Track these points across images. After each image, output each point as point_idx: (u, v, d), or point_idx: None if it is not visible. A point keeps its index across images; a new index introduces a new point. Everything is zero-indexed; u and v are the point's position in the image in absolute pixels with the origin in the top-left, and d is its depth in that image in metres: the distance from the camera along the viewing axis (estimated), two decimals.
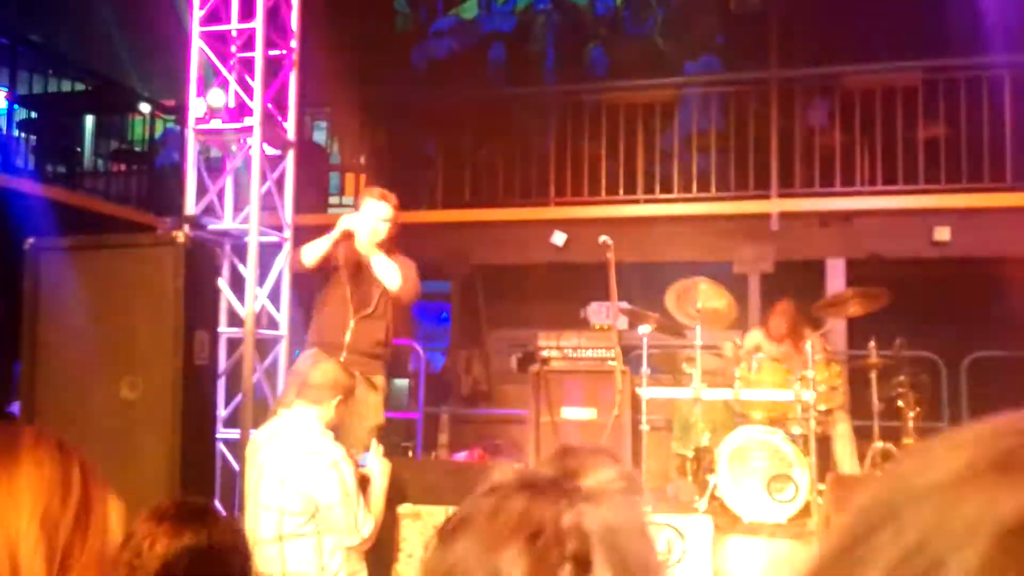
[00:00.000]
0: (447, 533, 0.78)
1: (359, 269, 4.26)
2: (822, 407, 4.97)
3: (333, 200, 8.40)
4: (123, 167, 8.75)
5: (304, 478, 3.29)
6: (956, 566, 0.32)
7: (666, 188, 7.25)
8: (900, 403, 5.12)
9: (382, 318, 4.30)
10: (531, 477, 0.79)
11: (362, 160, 8.54)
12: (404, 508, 4.04)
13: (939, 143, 6.92)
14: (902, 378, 5.29)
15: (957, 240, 6.62)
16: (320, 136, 8.70)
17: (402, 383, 8.06)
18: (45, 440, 1.02)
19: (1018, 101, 6.75)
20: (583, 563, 0.70)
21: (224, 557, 1.70)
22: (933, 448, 0.38)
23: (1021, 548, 0.32)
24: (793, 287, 5.77)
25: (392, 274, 4.22)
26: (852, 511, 0.38)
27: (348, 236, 4.21)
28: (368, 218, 4.22)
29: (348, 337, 4.19)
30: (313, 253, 4.29)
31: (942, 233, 6.64)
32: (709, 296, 5.16)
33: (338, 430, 3.51)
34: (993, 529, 0.33)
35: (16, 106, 7.75)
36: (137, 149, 8.75)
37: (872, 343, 5.12)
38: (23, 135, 8.06)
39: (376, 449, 3.65)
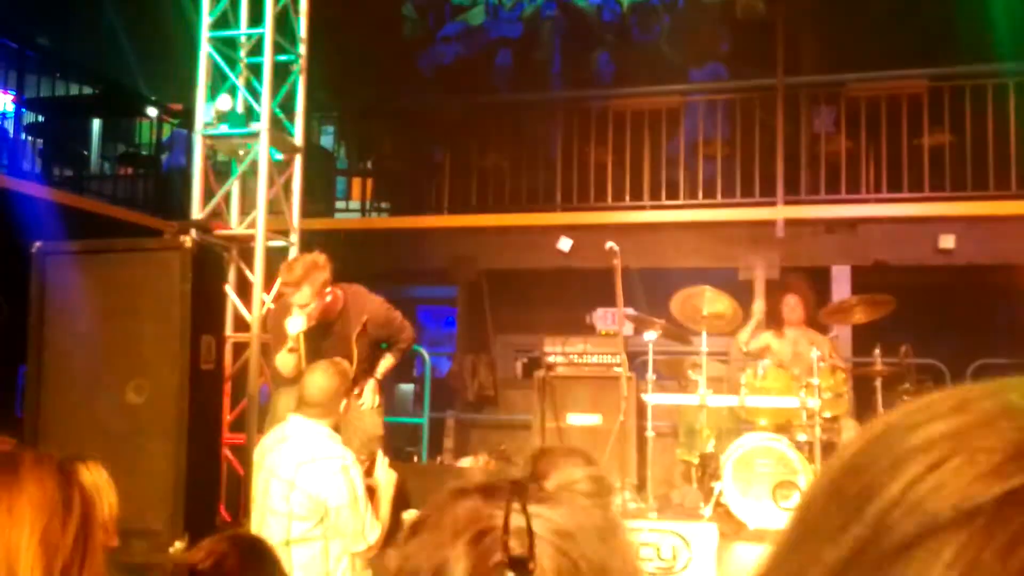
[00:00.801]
0: (408, 531, 0.78)
1: (321, 337, 4.28)
2: (827, 414, 4.96)
3: (340, 205, 8.42)
4: (130, 171, 8.77)
5: (313, 482, 3.30)
6: (927, 547, 0.32)
7: (672, 195, 7.26)
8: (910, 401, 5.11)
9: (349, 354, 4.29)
10: (492, 479, 0.79)
11: (369, 165, 8.56)
12: (409, 514, 4.04)
13: (944, 151, 6.93)
14: (907, 385, 5.28)
15: (962, 248, 6.62)
16: (327, 141, 8.72)
17: (407, 388, 8.07)
18: (47, 462, 1.03)
19: (1022, 108, 6.75)
20: (525, 566, 0.70)
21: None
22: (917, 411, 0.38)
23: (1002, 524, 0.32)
24: (796, 290, 5.76)
25: (388, 366, 4.41)
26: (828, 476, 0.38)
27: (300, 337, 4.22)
28: (297, 315, 4.21)
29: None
30: (288, 368, 4.30)
31: (947, 241, 6.64)
32: (714, 302, 5.16)
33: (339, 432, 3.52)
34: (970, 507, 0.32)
35: (24, 110, 7.78)
36: (144, 153, 8.78)
37: (877, 350, 5.12)
38: (31, 138, 8.09)
39: (382, 460, 3.66)
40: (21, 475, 1.01)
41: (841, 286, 6.76)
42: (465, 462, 5.66)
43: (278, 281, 4.50)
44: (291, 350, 4.26)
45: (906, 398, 5.23)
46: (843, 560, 0.34)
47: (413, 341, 4.56)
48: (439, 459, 6.39)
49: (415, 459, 6.47)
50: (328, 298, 4.33)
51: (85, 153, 8.71)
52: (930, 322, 6.50)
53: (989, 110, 6.80)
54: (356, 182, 8.73)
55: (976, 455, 0.33)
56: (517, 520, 0.71)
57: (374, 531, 3.37)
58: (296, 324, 4.23)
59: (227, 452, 5.06)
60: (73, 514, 1.00)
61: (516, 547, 0.70)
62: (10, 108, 7.60)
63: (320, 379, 3.44)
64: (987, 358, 6.40)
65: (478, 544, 0.70)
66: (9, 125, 7.61)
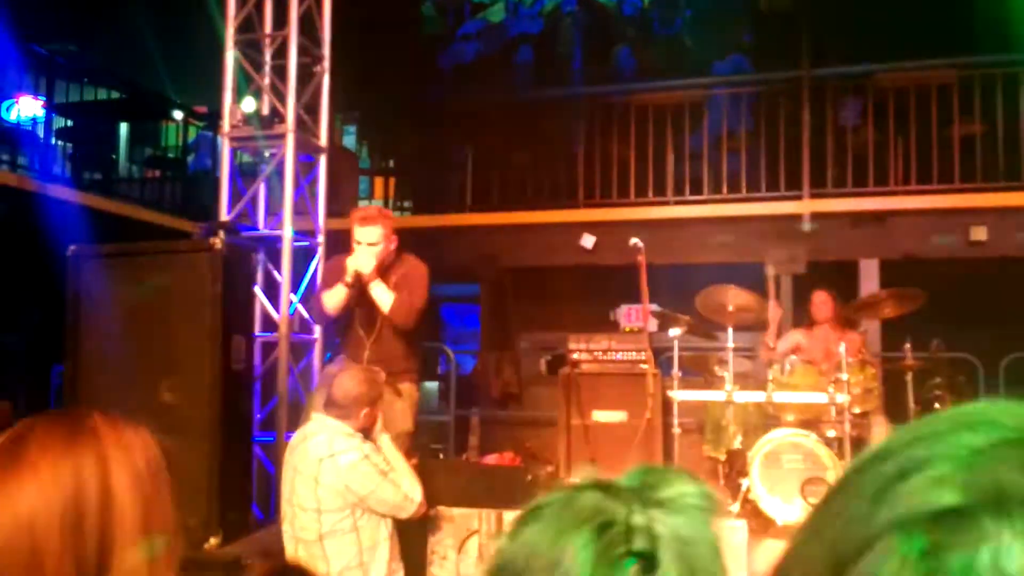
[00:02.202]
0: (517, 522, 0.80)
1: (362, 295, 4.22)
2: (857, 410, 4.92)
3: (363, 204, 8.46)
4: (156, 173, 8.89)
5: (336, 476, 3.34)
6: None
7: (696, 189, 7.22)
8: (937, 405, 5.06)
9: (397, 336, 4.24)
10: (607, 480, 0.81)
11: (391, 164, 8.60)
12: (437, 511, 4.07)
13: (975, 141, 6.82)
14: (939, 380, 5.22)
15: (994, 239, 6.52)
16: (350, 140, 8.77)
17: (432, 386, 8.10)
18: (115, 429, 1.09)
19: None
20: (649, 560, 0.72)
21: None
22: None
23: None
24: (826, 288, 5.71)
25: (384, 299, 4.17)
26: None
27: (359, 276, 4.14)
28: (364, 251, 4.13)
29: (367, 357, 4.17)
30: (334, 302, 4.21)
31: (978, 232, 6.54)
32: (740, 298, 5.13)
33: (368, 431, 3.55)
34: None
35: (53, 115, 7.91)
36: (170, 155, 8.89)
37: (908, 345, 5.06)
38: (60, 143, 8.22)
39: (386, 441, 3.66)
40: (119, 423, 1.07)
41: (869, 280, 6.69)
42: (490, 459, 5.68)
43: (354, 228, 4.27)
44: (347, 284, 4.12)
45: (937, 393, 5.17)
46: (819, 557, 0.38)
47: (405, 310, 4.34)
48: (464, 456, 6.42)
49: (441, 456, 6.50)
50: (392, 245, 4.25)
51: (113, 156, 8.84)
52: (961, 316, 6.41)
53: (1021, 99, 6.69)
54: (378, 181, 8.77)
55: (929, 473, 0.37)
56: (640, 519, 0.73)
57: (415, 489, 3.44)
58: (362, 260, 4.09)
59: (257, 450, 5.13)
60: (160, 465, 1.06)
61: (640, 542, 0.72)
62: (40, 113, 7.72)
63: (348, 382, 3.47)
64: (1020, 352, 6.31)
65: (602, 535, 0.72)
66: (39, 130, 7.73)
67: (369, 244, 4.14)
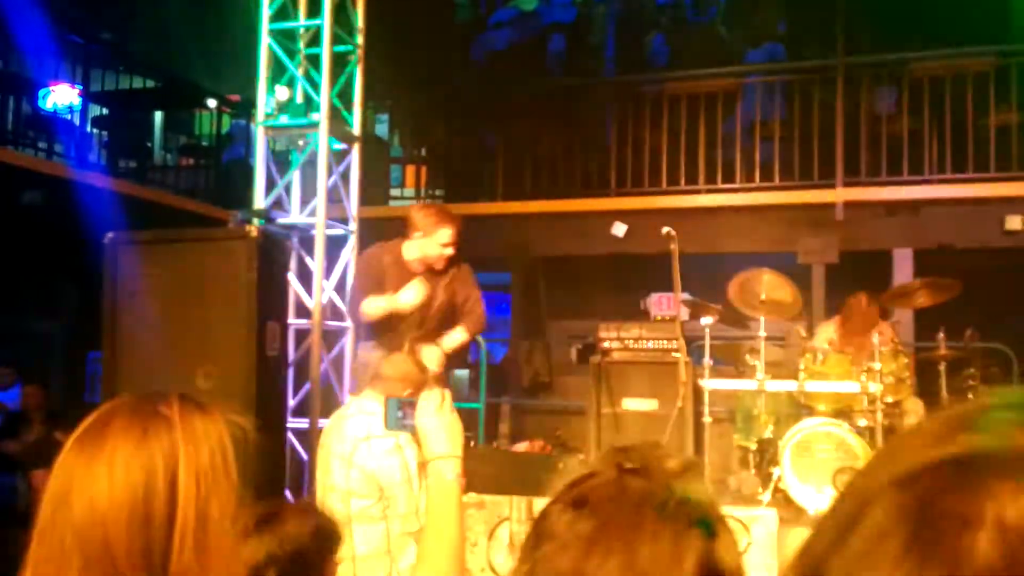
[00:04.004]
0: (561, 517, 0.81)
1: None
2: (889, 399, 4.88)
3: (395, 192, 8.51)
4: (191, 161, 8.99)
5: (368, 459, 3.37)
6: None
7: (729, 178, 7.17)
8: (970, 396, 5.02)
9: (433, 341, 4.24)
10: (627, 463, 0.83)
11: (423, 152, 8.63)
12: (467, 497, 4.10)
13: (1011, 130, 6.71)
14: (972, 370, 5.18)
15: None
16: (381, 129, 8.81)
17: (463, 374, 8.15)
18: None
19: None
20: (708, 527, 0.75)
21: (305, 556, 1.77)
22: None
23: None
24: (859, 278, 5.67)
25: (459, 338, 4.26)
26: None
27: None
28: (418, 287, 4.08)
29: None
30: (376, 314, 4.17)
31: (1014, 222, 6.45)
32: (773, 287, 5.11)
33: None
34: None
35: (89, 103, 8.03)
36: (204, 144, 8.99)
37: (941, 334, 5.01)
38: (96, 131, 8.34)
39: (428, 401, 3.68)
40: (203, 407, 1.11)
41: (903, 269, 6.62)
42: (521, 447, 5.72)
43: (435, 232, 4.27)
44: (423, 280, 4.09)
45: (971, 383, 5.12)
46: (831, 526, 0.40)
47: (482, 323, 4.46)
48: (495, 444, 6.46)
49: (471, 444, 6.56)
50: (450, 251, 4.23)
51: (148, 145, 8.96)
52: (996, 306, 6.32)
53: None
54: (410, 170, 8.81)
55: (926, 433, 0.39)
56: (680, 490, 0.77)
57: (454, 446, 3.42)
58: (419, 296, 4.06)
59: (290, 437, 5.20)
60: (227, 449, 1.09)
61: (698, 512, 0.77)
62: (76, 102, 7.83)
63: (398, 360, 3.54)
64: None
65: (663, 512, 0.77)
66: (75, 118, 7.85)
67: (443, 245, 4.17)
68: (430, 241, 4.21)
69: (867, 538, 0.37)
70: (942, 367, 5.02)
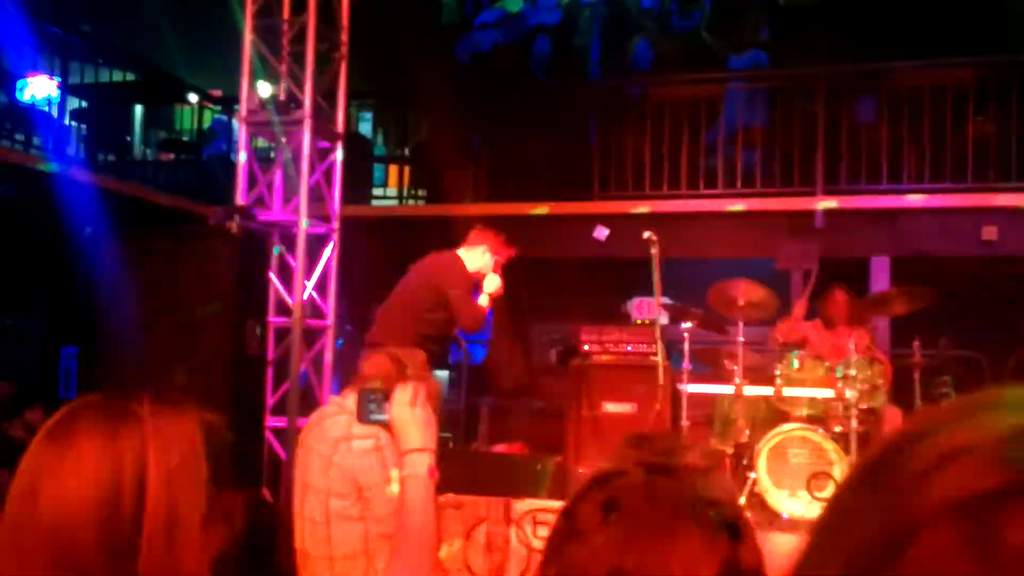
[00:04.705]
0: (592, 519, 0.81)
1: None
2: (864, 406, 4.94)
3: (377, 192, 8.49)
4: (171, 157, 8.91)
5: (347, 459, 3.35)
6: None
7: (710, 183, 7.22)
8: (944, 403, 5.08)
9: None
10: (646, 461, 0.84)
11: (407, 152, 8.62)
12: (446, 498, 4.10)
13: (989, 141, 6.81)
14: (946, 378, 5.25)
15: (1005, 239, 6.51)
16: (365, 127, 8.78)
17: (443, 374, 8.14)
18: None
19: None
20: (734, 529, 0.77)
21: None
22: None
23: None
24: (843, 286, 5.72)
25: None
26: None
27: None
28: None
29: None
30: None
31: (990, 232, 6.54)
32: (751, 293, 5.15)
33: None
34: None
35: (68, 95, 7.93)
36: (185, 139, 8.91)
37: (916, 342, 5.08)
38: (75, 124, 8.25)
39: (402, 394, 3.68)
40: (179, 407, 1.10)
41: (881, 277, 6.70)
42: (500, 448, 5.72)
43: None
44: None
45: (944, 391, 5.19)
46: (858, 550, 0.37)
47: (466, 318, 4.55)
48: (474, 445, 6.46)
49: (450, 444, 6.55)
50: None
51: (127, 139, 8.87)
52: (971, 314, 6.41)
53: None
54: (393, 169, 8.79)
55: (966, 459, 0.36)
56: (704, 491, 0.81)
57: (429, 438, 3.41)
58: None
59: (268, 435, 5.17)
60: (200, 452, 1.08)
61: (725, 512, 0.80)
62: (55, 94, 7.74)
63: (377, 358, 3.52)
64: None
65: (695, 515, 0.78)
66: (54, 111, 7.76)
67: (499, 264, 4.65)
68: (492, 260, 4.65)
69: (922, 566, 0.35)
70: (917, 375, 5.08)
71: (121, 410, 1.08)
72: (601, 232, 7.03)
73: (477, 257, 4.63)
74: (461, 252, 4.65)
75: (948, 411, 0.41)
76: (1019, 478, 0.35)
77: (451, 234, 7.53)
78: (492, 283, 4.57)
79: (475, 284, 4.55)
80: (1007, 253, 6.55)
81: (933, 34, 7.04)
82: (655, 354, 5.34)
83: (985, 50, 6.93)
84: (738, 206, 7.07)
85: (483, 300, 4.53)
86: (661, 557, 0.76)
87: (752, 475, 4.69)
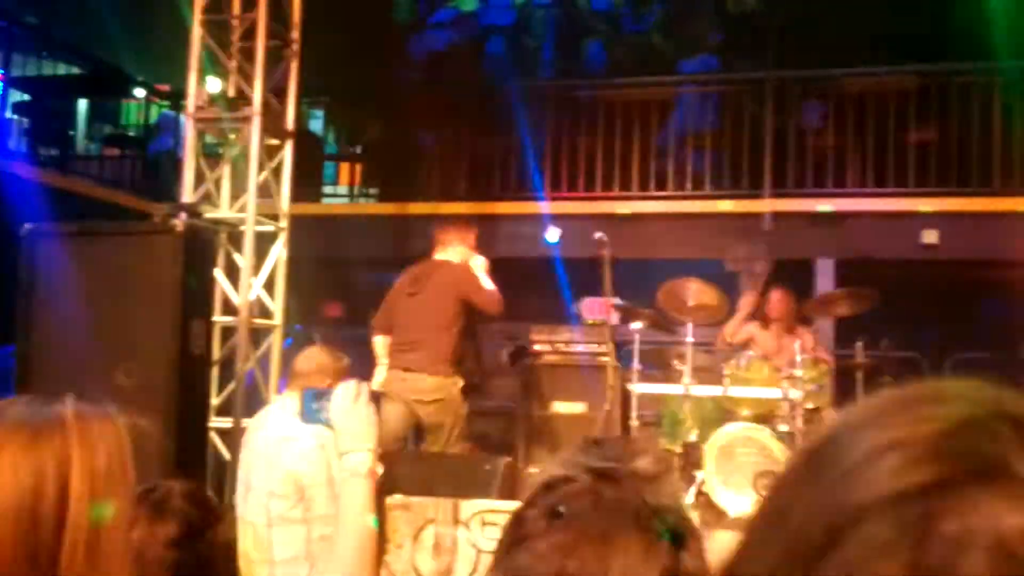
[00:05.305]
0: (536, 524, 0.82)
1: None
2: (809, 405, 5.04)
3: (328, 190, 8.41)
4: (116, 152, 8.72)
5: (289, 459, 3.32)
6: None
7: (661, 185, 7.30)
8: (881, 394, 5.20)
9: None
10: (594, 466, 0.85)
11: (358, 150, 8.55)
12: (394, 499, 4.07)
13: (929, 147, 7.00)
14: (887, 378, 5.37)
15: (944, 243, 6.70)
16: (316, 125, 8.69)
17: None
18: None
19: (1006, 107, 6.83)
20: (678, 536, 0.78)
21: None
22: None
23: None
24: (783, 286, 5.83)
25: None
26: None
27: None
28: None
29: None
30: None
31: (930, 236, 6.72)
32: (700, 293, 5.23)
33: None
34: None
35: (10, 88, 7.72)
36: (131, 134, 8.73)
37: (859, 343, 5.19)
38: (16, 117, 8.03)
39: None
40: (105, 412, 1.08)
41: (825, 279, 6.84)
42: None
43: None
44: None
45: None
46: (794, 541, 0.38)
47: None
48: (424, 445, 6.43)
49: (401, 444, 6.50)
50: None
51: (71, 133, 8.65)
52: (912, 316, 6.59)
53: (974, 108, 6.88)
54: (344, 167, 8.71)
55: (904, 451, 0.37)
56: (651, 498, 0.82)
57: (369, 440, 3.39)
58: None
59: (213, 436, 5.09)
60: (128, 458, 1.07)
61: (670, 520, 0.81)
62: None
63: (312, 351, 3.52)
64: (966, 352, 6.50)
65: (638, 524, 0.80)
66: None
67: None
68: (469, 248, 4.95)
69: (861, 557, 0.35)
70: (859, 375, 5.20)
71: (43, 413, 1.05)
72: (553, 234, 7.06)
73: (460, 253, 4.85)
74: (448, 256, 4.86)
75: (885, 403, 0.41)
76: (954, 471, 0.36)
77: (402, 232, 7.50)
78: (482, 264, 4.85)
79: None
80: (947, 256, 6.75)
81: (879, 43, 7.22)
82: (605, 354, 5.38)
83: (928, 59, 7.13)
84: (688, 207, 7.16)
85: (488, 283, 4.77)
86: (602, 563, 0.77)
87: (700, 474, 4.76)
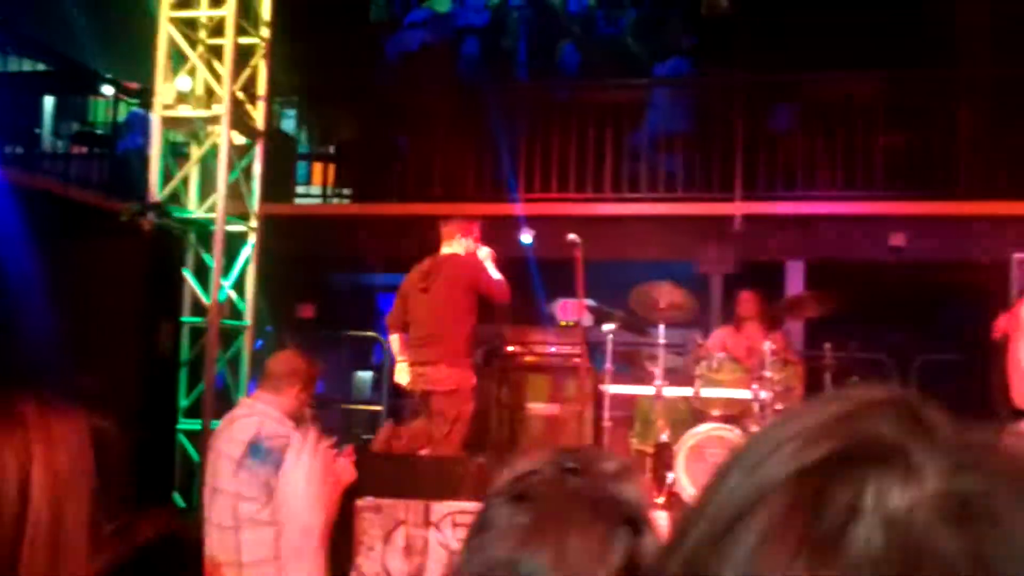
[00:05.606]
0: (500, 512, 0.84)
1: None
2: (779, 406, 5.08)
3: (300, 190, 8.34)
4: (84, 150, 8.58)
5: (260, 463, 3.29)
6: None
7: (634, 187, 7.33)
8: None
9: None
10: (560, 462, 0.88)
11: (331, 150, 8.50)
12: (364, 501, 4.05)
13: (897, 151, 7.10)
14: (855, 379, 5.43)
15: (911, 246, 6.80)
16: (289, 124, 8.62)
17: (366, 375, 8.05)
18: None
19: (971, 113, 6.95)
20: (636, 526, 0.79)
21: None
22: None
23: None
24: (754, 288, 5.88)
25: None
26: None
27: None
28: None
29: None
30: None
31: (898, 239, 6.81)
32: (672, 296, 5.25)
33: (298, 415, 3.51)
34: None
35: None
36: (99, 132, 8.59)
37: (828, 345, 5.25)
38: None
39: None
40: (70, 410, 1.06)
41: (795, 281, 6.91)
42: (423, 450, 5.68)
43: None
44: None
45: None
46: (712, 521, 0.40)
47: None
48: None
49: (371, 447, 6.47)
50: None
51: (37, 131, 8.50)
52: (879, 318, 6.68)
53: (940, 113, 6.99)
54: (317, 167, 8.65)
55: (803, 436, 0.40)
56: (614, 489, 0.85)
57: (316, 516, 3.36)
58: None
59: (181, 438, 5.03)
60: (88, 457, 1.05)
61: (627, 511, 0.84)
62: None
63: (286, 354, 3.49)
64: (931, 353, 6.60)
65: (597, 510, 0.83)
66: None
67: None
68: (473, 240, 4.99)
69: (762, 532, 0.37)
70: (828, 376, 5.26)
71: (4, 411, 1.03)
72: (527, 236, 7.06)
73: (465, 246, 4.91)
74: (454, 249, 4.88)
75: (801, 405, 0.44)
76: (848, 447, 0.38)
77: (376, 233, 7.45)
78: (488, 254, 4.93)
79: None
80: (913, 259, 6.84)
81: (848, 48, 7.31)
82: (578, 355, 5.39)
83: (895, 65, 7.23)
84: (660, 210, 7.20)
85: (495, 272, 4.87)
86: (559, 545, 0.80)
87: (671, 475, 4.77)
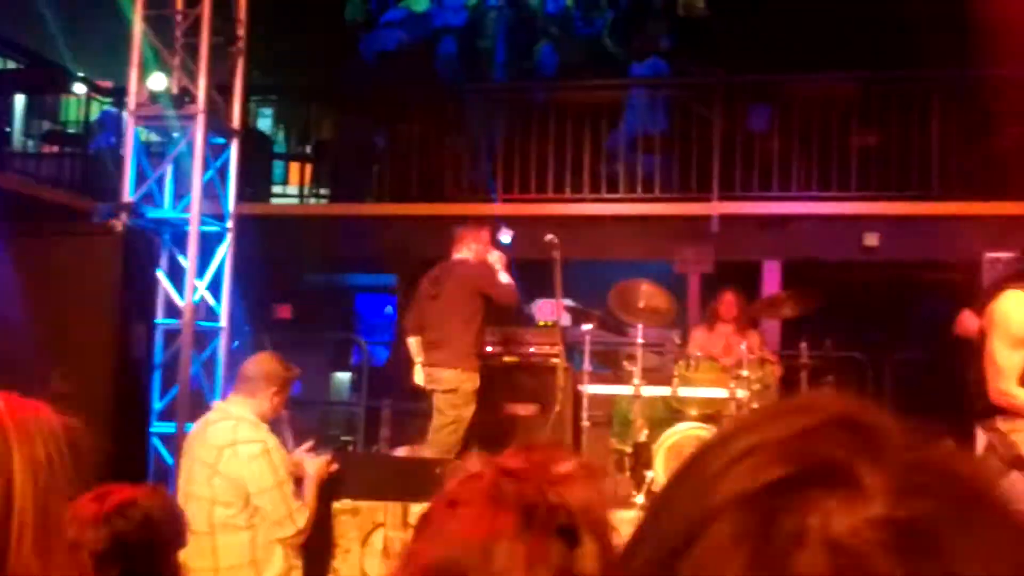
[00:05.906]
0: (437, 515, 0.83)
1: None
2: (755, 405, 5.11)
3: (277, 190, 8.28)
4: (55, 149, 8.46)
5: (234, 466, 3.26)
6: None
7: (612, 188, 7.35)
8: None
9: None
10: (508, 465, 0.85)
11: (308, 149, 8.44)
12: (342, 504, 4.02)
13: (871, 152, 7.18)
14: (831, 378, 5.48)
15: (885, 245, 6.87)
16: (265, 124, 8.56)
17: (344, 376, 8.01)
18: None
19: (944, 114, 7.03)
20: (572, 535, 0.77)
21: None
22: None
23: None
24: (731, 288, 5.91)
25: None
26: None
27: None
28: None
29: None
30: None
31: (871, 238, 6.88)
32: (650, 295, 5.27)
33: (273, 419, 3.48)
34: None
35: None
36: (71, 131, 8.47)
37: (804, 344, 5.29)
38: None
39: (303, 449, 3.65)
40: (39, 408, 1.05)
41: (772, 280, 6.96)
42: (401, 451, 5.66)
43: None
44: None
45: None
46: (661, 540, 0.40)
47: None
48: (375, 448, 6.38)
49: (351, 448, 6.44)
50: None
51: (7, 130, 8.37)
52: (854, 317, 6.74)
53: (915, 115, 7.08)
54: (294, 167, 8.60)
55: (758, 455, 0.39)
56: (555, 497, 0.83)
57: (302, 515, 3.35)
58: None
59: (155, 442, 4.97)
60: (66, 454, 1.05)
61: (563, 520, 0.83)
62: None
63: (262, 357, 3.46)
64: (905, 352, 6.68)
65: (529, 520, 0.81)
66: None
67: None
68: (484, 246, 5.11)
69: (706, 559, 0.37)
70: (804, 375, 5.30)
71: None
72: (506, 236, 7.05)
73: (476, 251, 5.04)
74: (464, 255, 5.01)
75: (752, 416, 0.44)
76: (797, 470, 0.38)
77: (354, 233, 7.40)
78: (498, 258, 5.05)
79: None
80: (887, 258, 6.92)
81: (823, 50, 7.37)
82: (556, 355, 5.39)
83: (870, 66, 7.31)
84: (638, 210, 7.22)
85: (504, 276, 4.97)
86: (485, 553, 0.78)
87: (650, 474, 4.79)
